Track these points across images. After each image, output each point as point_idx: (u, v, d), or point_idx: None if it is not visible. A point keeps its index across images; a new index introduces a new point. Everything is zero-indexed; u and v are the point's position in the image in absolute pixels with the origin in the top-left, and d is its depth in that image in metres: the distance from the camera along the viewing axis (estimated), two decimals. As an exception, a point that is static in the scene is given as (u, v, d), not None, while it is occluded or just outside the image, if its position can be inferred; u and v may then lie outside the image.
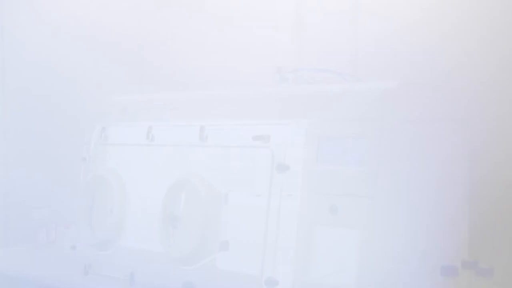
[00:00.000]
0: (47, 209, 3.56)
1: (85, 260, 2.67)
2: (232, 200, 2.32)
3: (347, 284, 1.98)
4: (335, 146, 2.05)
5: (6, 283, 3.08)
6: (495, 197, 2.59)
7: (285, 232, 2.12)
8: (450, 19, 2.71)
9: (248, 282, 2.15)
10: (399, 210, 1.96)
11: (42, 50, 3.87)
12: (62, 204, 3.48)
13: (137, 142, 2.62)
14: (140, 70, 3.99)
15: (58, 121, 3.57)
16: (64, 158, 3.63)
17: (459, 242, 2.35)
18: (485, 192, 2.59)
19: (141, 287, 2.28)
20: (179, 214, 2.36)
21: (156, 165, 2.79)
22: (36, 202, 3.69)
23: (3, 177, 3.96)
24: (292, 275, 2.07)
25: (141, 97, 2.83)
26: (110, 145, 2.67)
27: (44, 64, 3.85)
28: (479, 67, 2.64)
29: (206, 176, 2.39)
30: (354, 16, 2.99)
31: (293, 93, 2.23)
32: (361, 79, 2.66)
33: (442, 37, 2.74)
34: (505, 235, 2.55)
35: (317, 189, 2.06)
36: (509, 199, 2.56)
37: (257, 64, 3.38)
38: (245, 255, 2.37)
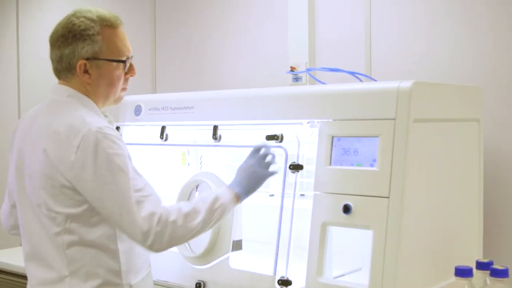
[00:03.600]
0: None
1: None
2: (245, 200, 2.32)
3: (360, 284, 1.98)
4: (348, 145, 2.05)
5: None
6: (510, 197, 2.58)
7: (298, 232, 2.12)
8: (466, 18, 2.70)
9: (261, 282, 2.15)
10: (413, 210, 1.95)
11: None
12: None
13: (151, 142, 2.63)
14: (153, 70, 4.01)
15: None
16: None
17: (473, 242, 2.34)
18: (499, 192, 2.58)
19: (154, 286, 2.29)
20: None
21: (170, 165, 2.81)
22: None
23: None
24: (306, 275, 2.07)
25: (154, 97, 2.84)
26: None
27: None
28: (494, 67, 2.63)
29: (220, 176, 2.39)
30: (367, 14, 2.98)
31: (306, 93, 2.23)
32: (375, 79, 2.65)
33: (457, 37, 2.73)
34: (520, 235, 2.54)
35: (331, 188, 2.05)
36: (524, 199, 2.55)
37: (270, 63, 3.39)
38: (258, 255, 2.37)
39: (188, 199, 2.42)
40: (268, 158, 2.13)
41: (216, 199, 2.00)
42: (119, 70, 2.04)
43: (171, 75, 3.94)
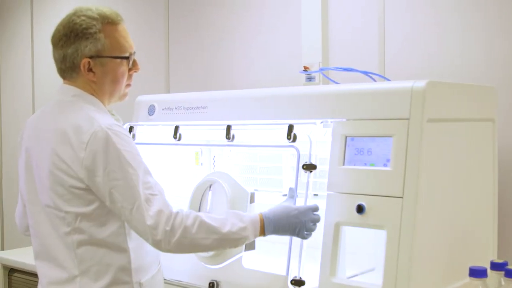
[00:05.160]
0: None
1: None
2: (258, 200, 2.32)
3: (374, 284, 1.97)
4: (362, 145, 2.04)
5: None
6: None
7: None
8: (479, 17, 2.69)
9: (274, 282, 2.15)
10: (427, 210, 1.95)
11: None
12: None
13: (163, 142, 2.63)
14: (167, 70, 4.02)
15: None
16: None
17: (488, 243, 2.33)
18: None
19: (168, 286, 2.29)
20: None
21: (183, 165, 2.81)
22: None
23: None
24: (319, 275, 2.07)
25: (168, 97, 2.85)
26: (138, 144, 2.69)
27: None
28: (509, 67, 2.61)
29: (233, 175, 2.39)
30: (381, 14, 2.97)
31: (320, 93, 2.23)
32: (389, 78, 2.65)
33: (471, 36, 2.71)
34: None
35: (344, 188, 2.05)
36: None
37: (283, 63, 3.38)
38: (271, 255, 2.37)
39: (201, 200, 2.42)
40: (314, 227, 2.07)
41: (243, 229, 1.95)
42: (123, 67, 2.05)
43: (185, 75, 3.94)
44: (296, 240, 2.10)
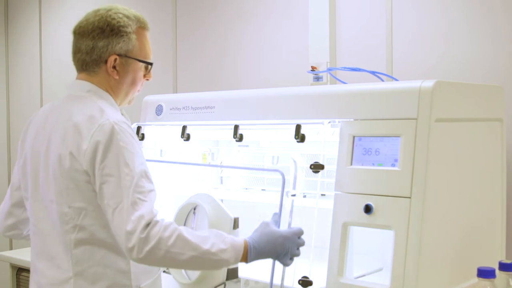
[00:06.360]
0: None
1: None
2: (265, 200, 2.32)
3: (381, 284, 1.97)
4: (370, 145, 2.04)
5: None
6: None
7: (319, 232, 2.11)
8: (487, 17, 2.68)
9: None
10: (434, 210, 1.94)
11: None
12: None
13: (171, 142, 2.64)
14: (174, 69, 4.02)
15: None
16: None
17: (496, 243, 2.32)
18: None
19: None
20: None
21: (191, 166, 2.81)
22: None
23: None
24: (327, 275, 2.07)
25: (175, 97, 2.85)
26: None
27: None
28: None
29: (217, 198, 2.35)
30: (389, 14, 2.97)
31: (327, 92, 2.22)
32: (397, 78, 2.64)
33: (479, 36, 2.71)
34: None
35: (352, 188, 2.05)
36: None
37: (291, 63, 3.38)
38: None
39: (185, 222, 2.39)
40: (298, 252, 2.02)
41: (222, 251, 1.85)
42: (141, 72, 2.07)
43: (192, 75, 3.95)
44: (304, 239, 2.09)
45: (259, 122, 2.36)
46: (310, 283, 2.08)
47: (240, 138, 2.33)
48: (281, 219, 2.08)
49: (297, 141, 2.15)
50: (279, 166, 2.59)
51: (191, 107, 2.59)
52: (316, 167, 2.11)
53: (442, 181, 1.99)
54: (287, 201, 2.11)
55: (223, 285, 2.23)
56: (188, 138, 2.51)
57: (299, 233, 2.01)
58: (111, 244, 1.91)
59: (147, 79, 2.11)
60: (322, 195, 2.25)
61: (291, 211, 2.11)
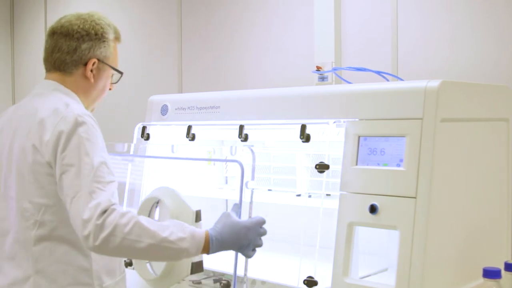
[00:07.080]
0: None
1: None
2: (271, 200, 2.32)
3: (387, 284, 1.97)
4: (375, 145, 2.04)
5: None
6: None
7: (324, 232, 2.11)
8: (491, 17, 2.68)
9: (287, 281, 2.15)
10: (440, 211, 1.94)
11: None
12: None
13: (176, 141, 2.64)
14: (179, 69, 4.03)
15: (100, 120, 3.68)
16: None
17: (502, 243, 2.32)
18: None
19: None
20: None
21: (195, 165, 2.82)
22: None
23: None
24: (332, 275, 2.07)
25: (180, 97, 2.85)
26: (151, 144, 2.70)
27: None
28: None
29: (179, 192, 2.32)
30: (394, 14, 2.97)
31: (333, 92, 2.22)
32: (402, 78, 2.64)
33: (484, 36, 2.70)
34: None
35: (357, 188, 2.05)
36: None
37: (296, 63, 3.39)
38: (284, 255, 2.37)
39: (148, 215, 2.35)
40: (261, 242, 1.98)
41: (181, 240, 1.81)
42: (109, 80, 2.12)
43: (197, 75, 3.95)
44: (309, 239, 2.09)
45: (264, 122, 2.36)
46: (315, 283, 2.08)
47: (245, 138, 2.34)
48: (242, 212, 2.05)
49: (302, 141, 2.15)
50: (281, 165, 2.59)
51: (196, 107, 2.59)
52: (321, 167, 2.11)
53: (448, 181, 1.99)
54: (247, 192, 2.09)
55: (220, 284, 2.22)
56: (193, 138, 2.51)
57: (261, 223, 1.98)
58: (72, 240, 1.88)
59: (110, 89, 2.16)
60: (327, 195, 2.24)
61: (251, 203, 2.09)
